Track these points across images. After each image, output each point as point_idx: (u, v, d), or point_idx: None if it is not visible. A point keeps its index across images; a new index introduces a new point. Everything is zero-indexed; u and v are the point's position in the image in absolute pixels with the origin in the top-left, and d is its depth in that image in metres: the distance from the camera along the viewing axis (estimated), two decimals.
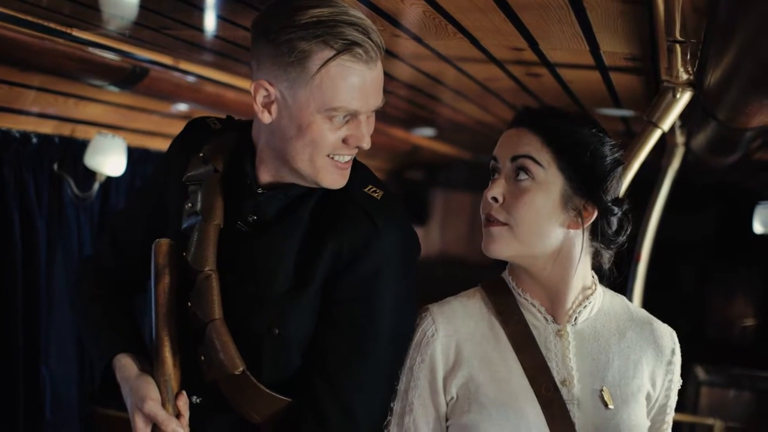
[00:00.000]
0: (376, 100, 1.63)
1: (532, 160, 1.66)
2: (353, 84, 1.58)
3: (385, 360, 1.70)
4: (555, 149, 1.67)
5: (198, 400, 1.75)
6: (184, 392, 1.72)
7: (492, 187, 1.67)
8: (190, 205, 1.77)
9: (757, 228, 5.15)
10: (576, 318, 1.72)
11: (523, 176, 1.66)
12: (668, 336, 1.82)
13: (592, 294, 1.76)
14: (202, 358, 1.71)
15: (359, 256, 1.66)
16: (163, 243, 1.77)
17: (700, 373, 5.45)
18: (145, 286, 1.95)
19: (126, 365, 1.76)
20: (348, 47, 1.55)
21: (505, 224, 1.66)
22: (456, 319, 1.71)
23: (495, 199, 1.66)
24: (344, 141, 1.63)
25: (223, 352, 1.68)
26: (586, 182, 1.68)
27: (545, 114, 1.73)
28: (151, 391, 1.68)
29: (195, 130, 1.88)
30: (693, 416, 5.07)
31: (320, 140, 1.62)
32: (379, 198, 1.72)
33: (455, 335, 1.69)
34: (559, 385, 1.67)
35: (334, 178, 1.67)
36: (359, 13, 1.59)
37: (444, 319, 1.71)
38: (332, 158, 1.64)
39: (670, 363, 1.80)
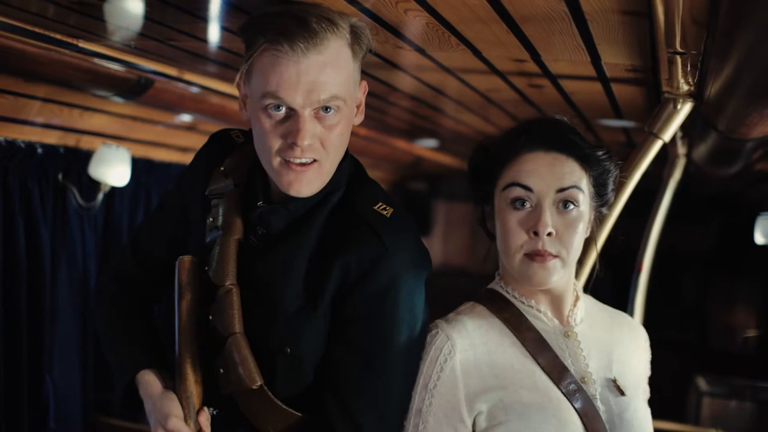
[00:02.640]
0: (311, 95, 1.61)
1: (579, 189, 1.68)
2: (280, 73, 1.58)
3: (395, 378, 1.70)
4: (590, 174, 1.72)
5: (214, 412, 1.76)
6: (205, 408, 1.73)
7: (544, 221, 1.66)
8: (211, 219, 1.79)
9: (759, 239, 5.15)
10: (575, 319, 1.76)
11: (571, 206, 1.68)
12: (639, 326, 1.97)
13: (578, 295, 1.81)
14: (221, 371, 1.72)
15: (367, 274, 1.67)
16: (186, 260, 1.79)
17: (702, 383, 5.44)
18: (164, 296, 1.96)
19: (149, 382, 1.77)
20: (275, 37, 1.57)
21: (557, 256, 1.68)
22: (469, 334, 1.72)
23: (549, 233, 1.67)
24: (285, 139, 1.63)
25: (242, 366, 1.70)
26: (601, 200, 1.77)
27: (574, 137, 1.74)
28: (174, 408, 1.70)
29: (218, 144, 1.91)
30: (695, 427, 5.05)
31: (264, 136, 1.64)
32: (388, 215, 1.72)
33: (471, 349, 1.70)
34: (580, 383, 1.70)
35: (290, 181, 1.66)
36: (317, 9, 1.62)
37: (458, 335, 1.71)
38: (285, 160, 1.64)
39: (646, 350, 1.93)
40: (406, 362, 1.71)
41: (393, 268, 1.68)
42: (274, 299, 1.72)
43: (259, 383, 1.70)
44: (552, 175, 1.68)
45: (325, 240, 1.72)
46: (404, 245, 1.71)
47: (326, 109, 1.63)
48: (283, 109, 1.62)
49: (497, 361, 1.70)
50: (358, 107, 1.77)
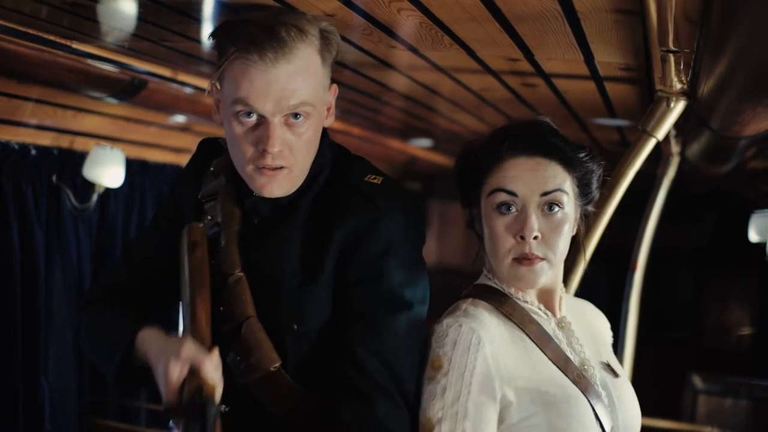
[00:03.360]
0: (281, 102, 1.63)
1: (563, 192, 1.71)
2: (250, 81, 1.61)
3: (404, 333, 1.69)
4: (573, 175, 1.75)
5: (226, 409, 1.75)
6: (216, 349, 1.66)
7: (529, 225, 1.69)
8: (210, 217, 1.82)
9: (753, 237, 5.16)
10: (561, 309, 1.80)
11: (556, 209, 1.71)
12: (600, 311, 2.02)
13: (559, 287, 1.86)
14: (238, 358, 1.73)
15: (365, 238, 1.69)
16: (195, 225, 1.81)
17: (697, 381, 5.46)
18: (156, 312, 1.96)
19: (151, 334, 1.73)
20: (245, 45, 1.60)
21: (543, 259, 1.71)
22: (487, 328, 1.72)
23: (536, 237, 1.70)
24: (256, 146, 1.66)
25: (259, 348, 1.71)
26: (586, 198, 1.80)
27: (556, 139, 1.76)
28: (186, 340, 1.64)
29: (206, 150, 1.95)
30: (690, 425, 5.07)
31: (236, 142, 1.67)
32: (379, 183, 1.75)
33: (494, 342, 1.70)
34: (582, 371, 1.73)
35: (262, 184, 1.69)
36: (286, 17, 1.64)
37: (480, 327, 1.71)
38: (258, 167, 1.67)
39: (611, 334, 2.00)
40: (414, 318, 1.71)
41: (389, 231, 1.70)
42: (275, 281, 1.74)
43: (278, 364, 1.71)
44: (535, 179, 1.71)
45: (319, 216, 1.74)
46: (398, 208, 1.73)
47: (296, 115, 1.66)
48: (254, 116, 1.65)
49: (514, 354, 1.71)
50: (328, 110, 1.79)
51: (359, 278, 1.70)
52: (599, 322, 1.97)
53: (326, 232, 1.71)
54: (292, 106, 1.64)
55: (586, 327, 1.88)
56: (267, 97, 1.62)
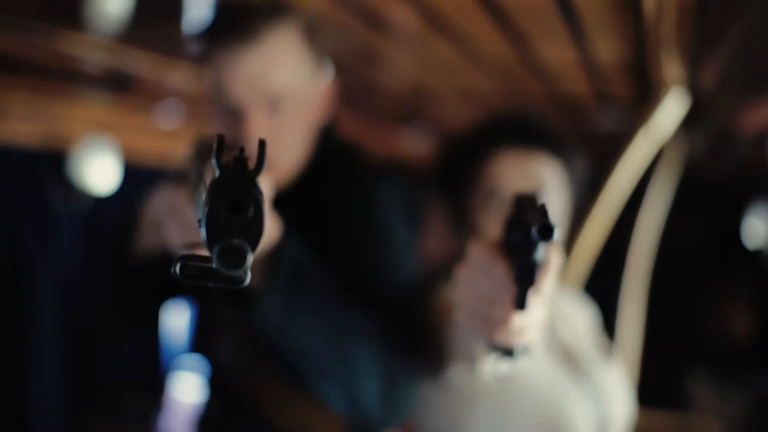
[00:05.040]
0: (255, 92, 1.59)
1: (551, 183, 1.71)
2: (221, 72, 1.58)
3: (399, 256, 1.68)
4: (561, 165, 1.75)
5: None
6: None
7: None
8: None
9: (752, 233, 5.16)
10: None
11: (545, 202, 1.69)
12: (577, 296, 2.07)
13: None
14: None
15: (354, 198, 1.68)
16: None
17: (699, 375, 5.47)
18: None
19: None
20: (217, 39, 1.58)
21: None
22: None
23: None
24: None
25: None
26: (575, 185, 1.79)
27: (541, 131, 1.74)
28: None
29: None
30: (692, 418, 5.09)
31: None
32: (371, 162, 1.77)
33: None
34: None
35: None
36: (264, 6, 1.61)
37: None
38: None
39: (589, 317, 2.02)
40: (405, 254, 1.70)
41: (379, 189, 1.70)
42: None
43: None
44: (523, 172, 1.70)
45: (319, 199, 1.73)
46: (390, 173, 1.74)
47: (275, 107, 1.61)
48: (232, 110, 1.61)
49: None
50: (321, 104, 1.75)
51: (352, 228, 1.67)
52: (577, 310, 1.95)
53: (321, 210, 1.70)
54: (268, 95, 1.59)
55: (565, 316, 1.87)
56: (240, 89, 1.58)
